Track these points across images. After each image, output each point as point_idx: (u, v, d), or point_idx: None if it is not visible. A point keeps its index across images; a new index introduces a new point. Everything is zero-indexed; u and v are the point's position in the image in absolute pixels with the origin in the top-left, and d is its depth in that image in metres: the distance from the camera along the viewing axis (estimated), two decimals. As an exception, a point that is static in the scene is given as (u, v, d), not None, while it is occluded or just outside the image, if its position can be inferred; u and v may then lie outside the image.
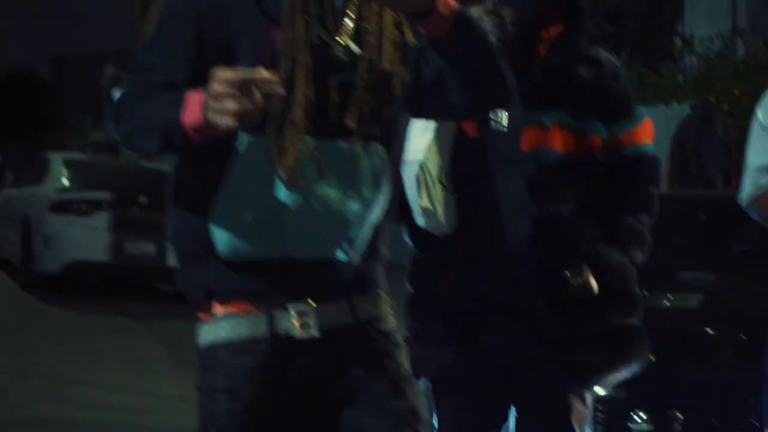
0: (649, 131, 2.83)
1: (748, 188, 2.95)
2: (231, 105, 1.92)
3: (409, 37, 2.21)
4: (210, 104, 1.95)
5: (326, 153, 2.14)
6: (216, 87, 1.93)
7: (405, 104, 2.23)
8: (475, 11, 2.71)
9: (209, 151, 2.09)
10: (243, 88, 1.92)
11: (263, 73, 1.93)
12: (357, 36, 2.19)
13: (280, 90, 1.95)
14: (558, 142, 2.72)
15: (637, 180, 2.81)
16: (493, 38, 2.52)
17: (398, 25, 2.22)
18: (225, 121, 1.94)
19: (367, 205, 2.18)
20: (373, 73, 2.17)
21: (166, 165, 19.72)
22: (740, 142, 7.68)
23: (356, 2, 2.21)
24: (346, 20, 2.19)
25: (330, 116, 2.13)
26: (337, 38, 2.16)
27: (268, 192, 2.12)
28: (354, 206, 2.16)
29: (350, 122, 2.15)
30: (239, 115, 1.93)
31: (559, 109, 2.74)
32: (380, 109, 2.17)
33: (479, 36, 2.16)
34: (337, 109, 2.14)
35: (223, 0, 2.14)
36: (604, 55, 2.87)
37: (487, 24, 2.73)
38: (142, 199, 11.93)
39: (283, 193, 2.12)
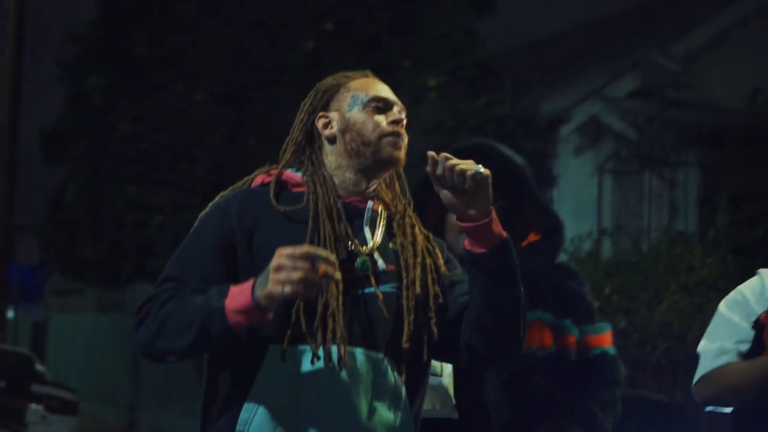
0: (611, 339, 3.14)
1: (703, 368, 3.04)
2: (295, 274, 2.11)
3: (441, 264, 2.41)
4: (271, 277, 2.13)
5: (354, 364, 2.28)
6: (280, 260, 2.13)
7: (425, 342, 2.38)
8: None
9: (240, 357, 2.25)
10: (305, 260, 2.11)
11: (323, 252, 2.14)
12: (386, 252, 2.38)
13: (338, 273, 2.14)
14: (536, 339, 3.02)
15: (602, 377, 3.10)
16: None
17: (429, 250, 2.42)
18: (288, 289, 2.10)
19: (394, 419, 2.31)
20: (406, 291, 2.35)
21: (23, 347, 19.28)
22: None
23: (385, 218, 2.43)
24: (375, 234, 2.40)
25: (355, 329, 2.29)
26: (364, 252, 2.36)
27: (295, 401, 2.24)
28: (383, 420, 2.29)
29: (377, 337, 2.31)
30: (302, 283, 2.10)
31: (538, 309, 3.03)
32: (409, 327, 2.33)
33: (514, 270, 2.33)
34: (363, 323, 2.30)
35: (251, 219, 2.34)
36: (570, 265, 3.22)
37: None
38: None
39: (307, 401, 2.24)
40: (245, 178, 2.53)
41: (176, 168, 13.21)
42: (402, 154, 2.45)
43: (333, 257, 2.15)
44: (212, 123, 13.06)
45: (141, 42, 13.30)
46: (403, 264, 2.38)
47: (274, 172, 2.48)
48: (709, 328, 3.14)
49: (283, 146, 2.54)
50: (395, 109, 2.48)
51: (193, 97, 13.23)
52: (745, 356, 3.00)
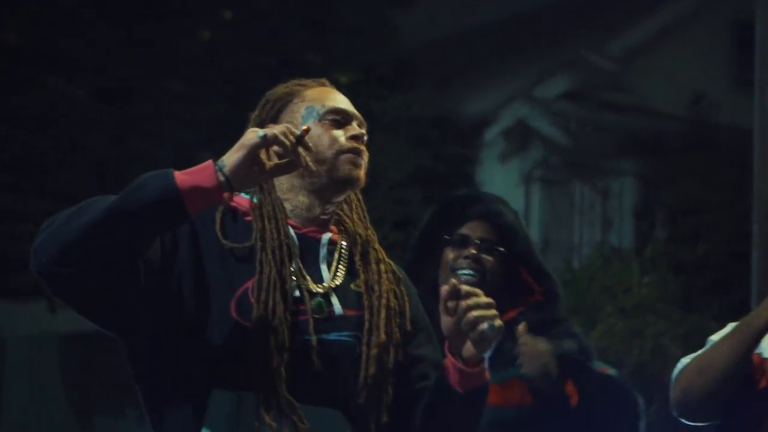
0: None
1: (676, 371, 3.13)
2: (274, 129, 2.15)
3: (407, 314, 2.37)
4: (246, 135, 2.15)
5: (310, 417, 2.21)
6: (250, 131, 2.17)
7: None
8: (452, 254, 3.12)
9: (178, 404, 2.18)
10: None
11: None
12: (346, 293, 2.32)
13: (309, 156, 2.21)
14: (516, 397, 3.09)
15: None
16: (470, 282, 2.91)
17: (396, 293, 2.36)
18: (270, 133, 2.12)
19: None
20: (367, 337, 2.30)
21: None
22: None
23: (346, 252, 2.37)
24: (333, 272, 2.34)
25: (305, 382, 2.22)
26: (317, 291, 2.29)
27: None
28: None
29: (330, 392, 2.24)
30: (285, 135, 2.13)
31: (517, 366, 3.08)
32: (366, 380, 2.28)
33: (479, 416, 2.33)
34: (314, 375, 2.23)
35: (199, 241, 2.28)
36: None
37: (466, 269, 3.09)
38: None
39: None
40: None
41: (52, 173, 12.94)
42: (362, 173, 2.39)
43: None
44: (94, 121, 12.83)
45: (11, 29, 13.05)
46: (366, 305, 2.32)
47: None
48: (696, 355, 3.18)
49: None
50: (354, 123, 2.43)
51: (74, 92, 12.99)
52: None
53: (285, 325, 2.20)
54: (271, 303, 2.21)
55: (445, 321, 2.24)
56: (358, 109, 2.48)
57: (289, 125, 2.19)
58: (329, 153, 2.35)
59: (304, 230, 2.36)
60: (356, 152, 2.38)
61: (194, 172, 2.11)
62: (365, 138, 2.42)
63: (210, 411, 2.19)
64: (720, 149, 12.72)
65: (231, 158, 2.12)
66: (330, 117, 2.39)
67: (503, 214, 3.30)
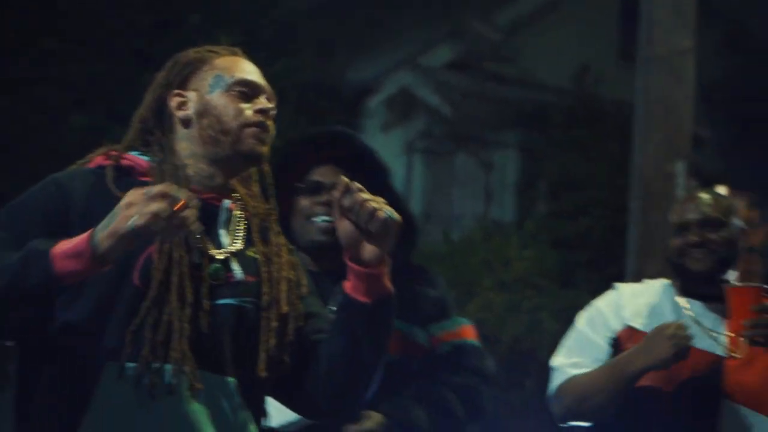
0: (470, 332, 3.12)
1: (556, 381, 3.27)
2: (150, 207, 2.05)
3: (304, 282, 2.39)
4: (121, 214, 2.06)
5: (204, 384, 2.22)
6: (132, 197, 2.07)
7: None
8: (305, 201, 3.07)
9: (68, 376, 2.16)
10: (163, 198, 2.06)
11: (184, 193, 2.08)
12: (244, 260, 2.33)
13: (195, 222, 2.10)
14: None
15: (457, 365, 3.07)
16: (328, 229, 2.91)
17: (293, 263, 2.39)
18: (140, 221, 2.04)
19: None
20: (267, 311, 2.31)
21: None
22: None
23: (243, 221, 2.37)
24: (232, 238, 2.35)
25: (202, 347, 2.22)
26: (219, 257, 2.30)
27: (134, 427, 2.17)
28: None
29: (226, 358, 2.25)
30: (157, 217, 2.04)
31: None
32: (267, 352, 2.29)
33: (389, 330, 2.34)
34: (212, 341, 2.24)
35: (91, 205, 2.26)
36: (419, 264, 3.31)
37: (322, 215, 3.05)
38: None
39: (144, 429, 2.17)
40: (78, 162, 2.44)
41: None
42: (266, 149, 2.40)
43: (194, 200, 2.10)
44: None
45: None
46: (265, 277, 2.34)
47: (115, 153, 2.40)
48: (566, 343, 3.34)
49: (131, 124, 2.46)
50: (263, 97, 2.43)
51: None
52: None
53: (188, 291, 2.21)
54: (176, 269, 2.22)
55: (343, 226, 2.28)
56: None
57: (167, 190, 2.11)
58: (234, 124, 2.36)
59: (205, 196, 2.36)
60: (262, 127, 2.39)
61: (72, 256, 2.10)
62: (273, 113, 2.42)
63: (104, 383, 2.18)
64: (603, 124, 12.89)
65: (105, 243, 2.09)
66: (238, 88, 2.40)
67: (356, 156, 3.23)
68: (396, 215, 2.26)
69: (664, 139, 7.54)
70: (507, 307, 10.88)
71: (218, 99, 2.37)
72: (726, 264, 3.30)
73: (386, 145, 14.30)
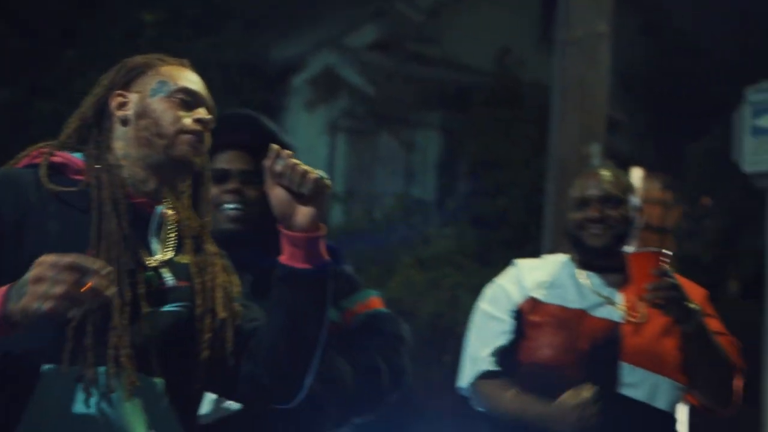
0: (380, 302, 3.21)
1: (469, 375, 3.39)
2: (57, 288, 1.98)
3: (237, 284, 2.40)
4: (30, 289, 2.00)
5: (140, 388, 2.23)
6: (41, 270, 2.00)
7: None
8: (214, 189, 2.95)
9: (3, 381, 2.15)
10: (71, 272, 1.99)
11: (94, 262, 2.02)
12: (175, 266, 2.33)
13: (111, 288, 2.04)
14: None
15: (377, 331, 3.13)
16: (236, 217, 2.89)
17: (225, 266, 2.40)
18: (47, 305, 1.98)
19: None
20: (201, 322, 2.31)
21: None
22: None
23: (174, 227, 2.37)
24: (165, 245, 2.35)
25: (139, 349, 2.22)
26: (153, 264, 2.30)
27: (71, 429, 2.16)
28: None
29: (158, 361, 2.25)
30: (65, 299, 1.98)
31: None
32: (205, 361, 2.31)
33: (328, 299, 2.36)
34: (144, 345, 2.24)
35: (16, 208, 2.24)
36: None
37: (230, 204, 3.00)
38: None
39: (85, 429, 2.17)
40: (8, 162, 2.40)
41: None
42: (199, 160, 2.40)
43: (107, 269, 2.05)
44: None
45: None
46: (199, 288, 2.35)
47: (47, 150, 2.37)
48: (473, 326, 3.45)
49: (69, 122, 2.44)
50: (203, 109, 2.43)
51: None
52: (507, 348, 3.36)
53: (123, 297, 2.22)
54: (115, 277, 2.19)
55: (275, 193, 2.32)
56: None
57: (77, 261, 2.03)
58: (170, 129, 2.37)
59: (137, 200, 2.37)
60: (198, 136, 2.39)
61: None
62: (211, 126, 2.44)
63: (41, 386, 2.18)
64: (523, 106, 13.02)
65: (17, 315, 2.04)
66: (180, 96, 2.41)
67: (262, 139, 3.11)
68: (327, 177, 2.31)
69: (580, 121, 7.64)
70: (426, 284, 10.97)
71: (159, 103, 2.38)
72: (622, 240, 3.40)
73: (310, 123, 14.32)
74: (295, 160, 2.31)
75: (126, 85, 2.43)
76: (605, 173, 3.45)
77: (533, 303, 3.37)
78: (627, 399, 3.26)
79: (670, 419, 3.34)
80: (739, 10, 15.81)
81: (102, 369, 2.19)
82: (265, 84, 13.87)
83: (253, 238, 2.97)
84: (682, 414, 3.42)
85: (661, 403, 3.29)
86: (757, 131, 8.77)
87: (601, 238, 3.36)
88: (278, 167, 2.30)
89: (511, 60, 13.67)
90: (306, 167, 2.31)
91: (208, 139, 2.43)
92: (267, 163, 2.32)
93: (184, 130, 2.38)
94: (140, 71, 2.44)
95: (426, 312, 10.79)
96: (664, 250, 3.21)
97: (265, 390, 2.39)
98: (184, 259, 2.38)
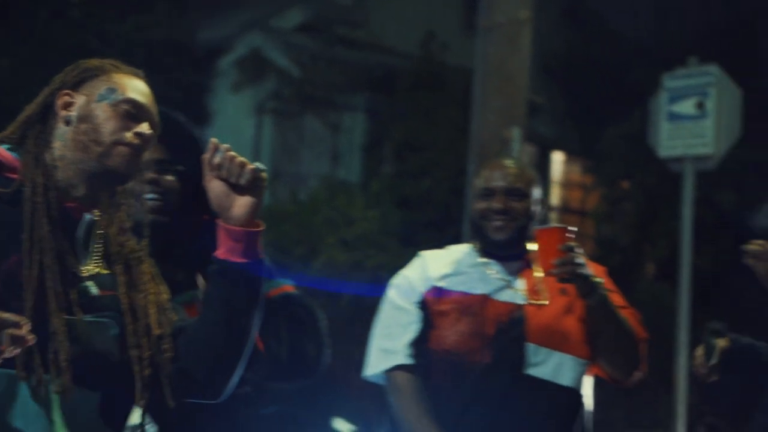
0: (291, 288, 3.23)
1: (381, 364, 3.46)
2: None
3: (165, 295, 2.39)
4: None
5: (72, 396, 2.23)
6: None
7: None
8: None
9: None
10: None
11: (12, 318, 2.04)
12: (100, 276, 2.33)
13: (29, 337, 2.05)
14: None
15: (291, 307, 3.15)
16: (155, 207, 2.85)
17: (154, 274, 2.40)
18: None
19: None
20: (135, 337, 2.31)
21: None
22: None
23: (101, 235, 2.35)
24: (93, 254, 2.33)
25: (73, 358, 2.22)
26: (84, 273, 2.30)
27: None
28: None
29: (82, 370, 2.23)
30: None
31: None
32: (138, 376, 2.31)
33: (260, 295, 2.37)
34: (75, 351, 2.23)
35: None
36: None
37: (149, 194, 2.98)
38: None
39: None
40: None
41: None
42: (132, 172, 2.39)
43: (23, 321, 2.05)
44: None
45: None
46: (126, 308, 2.34)
47: None
48: (382, 316, 3.53)
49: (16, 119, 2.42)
50: (147, 124, 2.42)
51: None
52: (418, 339, 3.42)
53: (55, 305, 2.21)
54: (49, 283, 2.21)
55: (213, 186, 2.35)
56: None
57: None
58: (108, 139, 2.35)
59: (68, 203, 2.36)
60: (135, 150, 2.38)
61: None
62: (151, 142, 2.42)
63: None
64: (447, 90, 13.10)
65: None
66: (125, 106, 2.39)
67: (174, 130, 3.13)
68: (264, 167, 2.35)
69: (501, 105, 7.77)
70: (350, 265, 11.03)
71: (103, 110, 2.36)
72: (524, 233, 3.45)
73: (236, 105, 14.31)
74: (233, 153, 2.33)
75: (76, 85, 2.42)
76: (511, 165, 3.50)
77: (438, 292, 3.44)
78: (533, 378, 3.34)
79: (575, 395, 3.41)
80: (657, -1, 16.09)
81: (47, 377, 2.20)
82: (192, 65, 13.83)
83: (175, 225, 2.97)
84: (587, 389, 3.50)
85: (565, 380, 3.37)
86: (673, 117, 8.93)
87: (504, 232, 3.42)
88: (217, 159, 2.33)
89: (436, 44, 13.75)
90: (243, 159, 2.34)
91: (145, 155, 2.42)
92: (206, 156, 2.34)
93: (121, 142, 2.36)
94: (92, 74, 2.43)
95: (349, 293, 10.85)
96: (569, 227, 3.27)
97: (197, 385, 2.39)
98: (110, 270, 2.37)
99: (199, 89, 13.91)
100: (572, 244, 3.23)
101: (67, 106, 2.40)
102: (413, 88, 13.40)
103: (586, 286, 3.25)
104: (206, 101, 14.12)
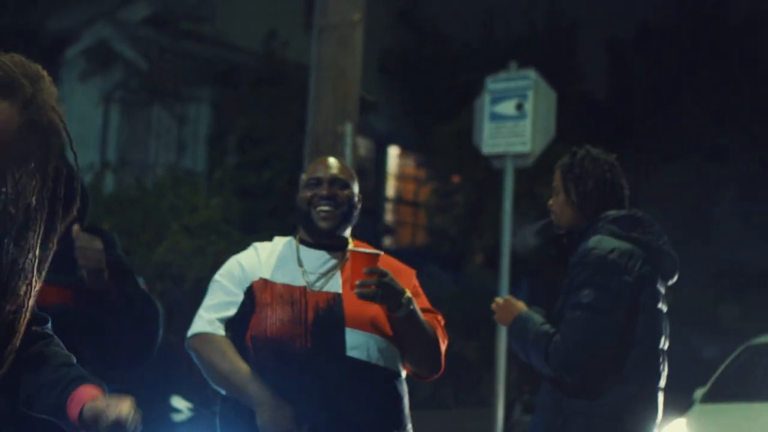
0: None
1: (195, 328, 3.55)
2: None
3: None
4: None
5: None
6: None
7: None
8: None
9: None
10: None
11: None
12: None
13: None
14: (56, 297, 3.25)
15: (128, 288, 3.43)
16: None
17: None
18: None
19: None
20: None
21: None
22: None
23: None
24: None
25: None
26: None
27: None
28: None
29: None
30: None
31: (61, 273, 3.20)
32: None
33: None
34: None
35: None
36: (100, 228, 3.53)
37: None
38: None
39: None
40: None
41: None
42: None
43: None
44: None
45: None
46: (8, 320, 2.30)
47: None
48: (209, 292, 3.66)
49: None
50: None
51: None
52: (236, 320, 3.55)
53: None
54: None
55: None
56: None
57: None
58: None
59: None
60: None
61: None
62: None
63: None
64: (287, 85, 13.36)
65: None
66: None
67: None
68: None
69: (335, 102, 7.98)
70: (193, 250, 11.27)
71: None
72: (347, 221, 3.64)
73: (84, 94, 14.29)
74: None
75: None
76: (332, 161, 3.71)
77: (264, 282, 3.58)
78: (352, 360, 3.48)
79: (392, 375, 3.60)
80: (485, 3, 16.64)
81: None
82: (39, 54, 13.76)
83: None
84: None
85: (380, 361, 3.55)
86: (494, 117, 9.33)
87: (329, 221, 3.58)
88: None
89: (277, 42, 13.99)
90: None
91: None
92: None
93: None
94: None
95: (192, 276, 11.05)
96: (375, 252, 3.49)
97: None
98: None
99: (46, 78, 13.84)
100: (378, 268, 3.43)
101: None
102: (256, 83, 13.60)
103: (393, 303, 3.46)
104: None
